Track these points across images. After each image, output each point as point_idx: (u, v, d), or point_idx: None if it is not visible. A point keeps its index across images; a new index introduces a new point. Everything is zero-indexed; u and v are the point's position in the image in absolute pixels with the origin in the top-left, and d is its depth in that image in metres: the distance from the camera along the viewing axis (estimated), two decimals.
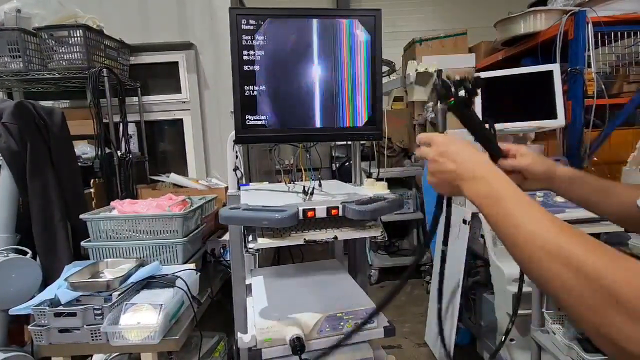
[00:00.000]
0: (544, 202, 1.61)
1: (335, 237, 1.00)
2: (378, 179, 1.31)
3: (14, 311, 1.38)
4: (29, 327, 1.34)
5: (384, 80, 1.78)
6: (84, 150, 2.39)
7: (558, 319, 1.58)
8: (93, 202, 2.21)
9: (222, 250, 2.10)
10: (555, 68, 1.72)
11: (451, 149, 0.66)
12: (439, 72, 0.72)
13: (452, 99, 0.74)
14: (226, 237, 2.10)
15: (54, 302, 1.35)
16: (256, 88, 1.09)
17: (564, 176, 0.82)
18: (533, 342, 1.63)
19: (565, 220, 0.50)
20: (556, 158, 1.87)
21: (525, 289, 1.77)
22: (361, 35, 1.13)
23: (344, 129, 1.16)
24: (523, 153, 0.82)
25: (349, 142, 1.55)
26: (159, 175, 2.73)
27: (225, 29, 1.05)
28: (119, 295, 1.38)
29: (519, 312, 1.79)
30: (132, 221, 1.70)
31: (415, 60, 2.60)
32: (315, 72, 1.12)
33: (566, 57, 1.99)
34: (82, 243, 1.71)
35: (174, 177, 2.62)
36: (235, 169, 1.26)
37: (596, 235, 1.83)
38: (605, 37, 1.96)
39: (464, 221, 2.03)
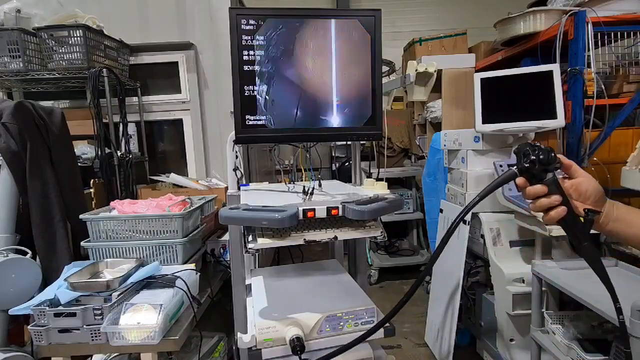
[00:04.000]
0: None
1: (335, 237, 1.00)
2: (378, 179, 1.31)
3: (13, 311, 1.38)
4: (28, 327, 1.34)
5: (384, 80, 1.78)
6: (84, 150, 2.39)
7: (558, 319, 1.58)
8: (93, 202, 2.21)
9: (222, 250, 2.10)
10: (555, 68, 1.71)
11: None
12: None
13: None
14: (226, 237, 2.10)
15: (53, 302, 1.35)
16: (256, 88, 1.09)
17: (609, 201, 0.78)
18: (533, 342, 1.63)
19: None
20: None
21: (525, 289, 1.78)
22: (361, 35, 1.12)
23: (344, 129, 1.16)
24: (577, 169, 0.78)
25: (349, 142, 1.55)
26: (159, 175, 2.73)
27: (225, 29, 1.05)
28: (119, 295, 1.38)
29: (519, 312, 1.80)
30: (132, 221, 1.70)
31: (415, 60, 2.61)
32: (315, 72, 1.12)
33: (566, 57, 1.99)
34: (82, 243, 1.71)
35: (174, 177, 2.62)
36: (235, 169, 1.26)
37: (595, 235, 1.83)
38: (605, 37, 1.96)
39: (464, 221, 2.03)
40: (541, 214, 0.76)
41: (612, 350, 1.34)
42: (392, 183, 3.96)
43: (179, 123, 2.90)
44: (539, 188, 0.73)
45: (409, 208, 3.70)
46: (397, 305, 0.82)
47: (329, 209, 0.97)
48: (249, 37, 1.06)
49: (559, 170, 0.75)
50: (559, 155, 0.74)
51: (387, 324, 1.16)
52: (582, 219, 0.74)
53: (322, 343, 1.09)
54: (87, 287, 1.38)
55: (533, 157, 0.71)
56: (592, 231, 0.76)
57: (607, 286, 0.72)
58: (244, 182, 1.32)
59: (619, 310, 0.71)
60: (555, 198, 0.72)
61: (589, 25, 1.89)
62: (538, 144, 0.73)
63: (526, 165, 0.72)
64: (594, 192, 0.75)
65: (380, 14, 1.12)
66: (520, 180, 0.74)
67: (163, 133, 3.03)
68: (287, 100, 1.11)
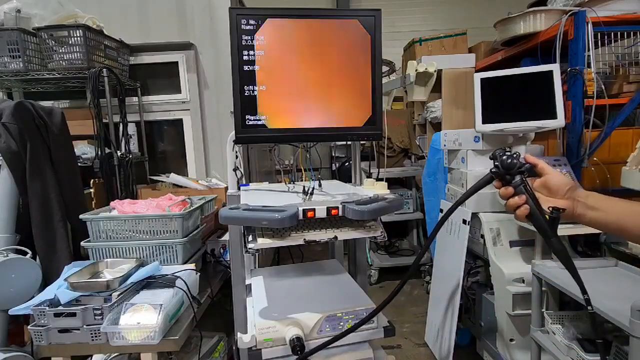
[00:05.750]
0: None
1: (335, 237, 1.00)
2: (378, 179, 1.31)
3: (13, 311, 1.38)
4: (28, 327, 1.34)
5: (384, 80, 1.78)
6: (84, 150, 2.39)
7: (558, 319, 1.58)
8: (93, 202, 2.21)
9: (222, 250, 2.10)
10: (555, 68, 1.71)
11: None
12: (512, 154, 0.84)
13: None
14: (226, 237, 2.10)
15: (53, 302, 1.36)
16: (256, 88, 1.09)
17: (583, 192, 0.81)
18: (533, 342, 1.63)
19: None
20: (556, 158, 1.87)
21: (525, 289, 1.78)
22: (361, 35, 1.12)
23: (344, 129, 1.16)
24: (544, 167, 0.84)
25: (349, 142, 1.55)
26: (159, 175, 2.73)
27: (225, 29, 1.05)
28: (119, 295, 1.38)
29: (519, 312, 1.80)
30: (132, 221, 1.70)
31: (415, 60, 2.60)
32: (315, 72, 1.12)
33: (566, 57, 1.99)
34: (82, 243, 1.71)
35: (174, 177, 2.62)
36: (235, 169, 1.26)
37: (594, 236, 1.84)
38: (605, 37, 1.96)
39: (464, 221, 2.03)
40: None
41: (612, 350, 1.34)
42: (392, 183, 3.96)
43: (179, 123, 2.90)
44: (505, 190, 0.81)
45: (409, 208, 3.70)
46: (396, 289, 0.89)
47: (329, 209, 0.97)
48: (249, 37, 1.06)
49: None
50: (526, 156, 0.82)
51: (387, 324, 1.16)
52: (547, 216, 0.80)
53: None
54: (87, 287, 1.38)
55: (497, 163, 0.80)
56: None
57: (575, 277, 0.77)
58: (244, 182, 1.32)
59: (587, 301, 0.76)
60: (521, 198, 0.80)
61: (589, 25, 1.89)
62: (508, 150, 0.82)
63: (493, 170, 0.81)
64: (562, 185, 0.81)
65: (380, 14, 1.12)
66: (495, 182, 0.83)
67: (163, 133, 3.03)
68: (287, 100, 1.11)
